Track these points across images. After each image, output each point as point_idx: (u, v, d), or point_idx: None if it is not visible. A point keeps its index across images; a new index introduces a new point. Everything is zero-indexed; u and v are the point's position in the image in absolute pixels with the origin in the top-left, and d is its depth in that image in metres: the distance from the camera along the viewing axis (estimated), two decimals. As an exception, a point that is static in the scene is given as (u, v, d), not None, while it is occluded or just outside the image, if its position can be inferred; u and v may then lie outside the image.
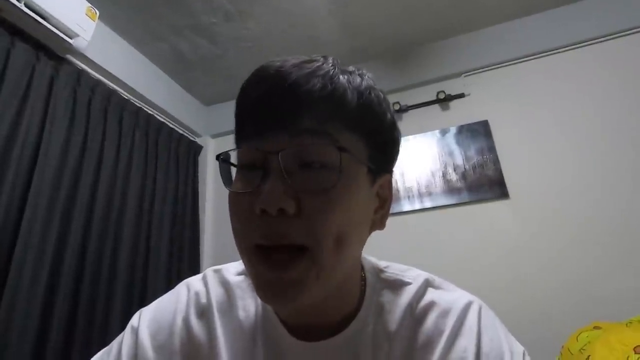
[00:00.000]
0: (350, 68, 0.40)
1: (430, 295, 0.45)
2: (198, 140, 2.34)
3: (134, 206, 1.67)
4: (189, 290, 0.48)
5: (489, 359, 0.40)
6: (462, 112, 1.90)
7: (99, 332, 1.37)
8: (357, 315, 0.43)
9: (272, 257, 0.35)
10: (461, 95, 1.92)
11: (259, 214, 0.34)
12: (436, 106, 1.96)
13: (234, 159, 0.40)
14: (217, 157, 0.40)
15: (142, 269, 1.64)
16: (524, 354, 0.42)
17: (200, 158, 2.31)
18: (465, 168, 1.80)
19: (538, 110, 1.77)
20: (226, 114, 2.38)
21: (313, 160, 0.35)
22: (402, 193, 1.85)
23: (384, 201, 0.43)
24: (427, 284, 0.46)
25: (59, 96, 1.43)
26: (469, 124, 1.86)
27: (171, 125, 2.10)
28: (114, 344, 0.47)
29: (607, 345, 0.96)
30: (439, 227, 1.75)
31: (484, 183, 1.74)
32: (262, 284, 0.36)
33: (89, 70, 1.64)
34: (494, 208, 1.70)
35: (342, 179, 0.35)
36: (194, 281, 0.50)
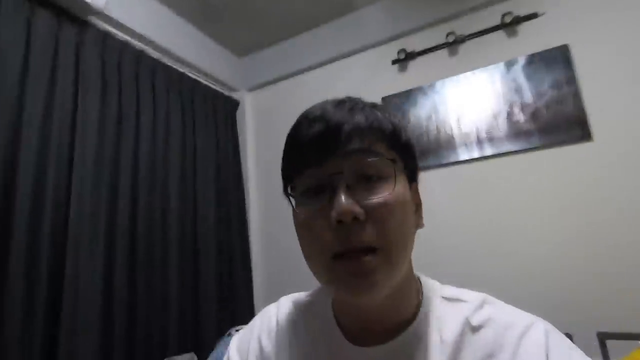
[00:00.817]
0: (374, 103, 0.48)
1: (488, 311, 0.45)
2: (235, 94, 2.24)
3: (176, 168, 1.67)
4: (264, 315, 0.58)
5: None
6: (534, 38, 1.57)
7: (160, 291, 1.47)
8: (412, 323, 0.46)
9: (350, 256, 0.40)
10: (533, 16, 1.57)
11: (335, 225, 0.40)
12: (501, 32, 1.64)
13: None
14: (284, 192, 0.47)
15: (192, 234, 1.69)
16: None
17: (239, 113, 2.23)
18: (536, 106, 1.53)
19: (632, 30, 1.40)
20: (261, 64, 2.23)
21: (372, 174, 0.42)
22: (457, 140, 1.64)
23: (417, 205, 0.49)
24: (484, 302, 0.46)
25: (88, 64, 1.38)
26: (542, 52, 1.54)
27: (205, 82, 2.01)
28: None
29: None
30: (502, 177, 1.54)
31: (560, 123, 1.48)
32: (344, 279, 0.41)
33: (114, 31, 1.56)
34: (572, 153, 1.44)
35: (397, 187, 0.42)
36: (270, 307, 0.59)
